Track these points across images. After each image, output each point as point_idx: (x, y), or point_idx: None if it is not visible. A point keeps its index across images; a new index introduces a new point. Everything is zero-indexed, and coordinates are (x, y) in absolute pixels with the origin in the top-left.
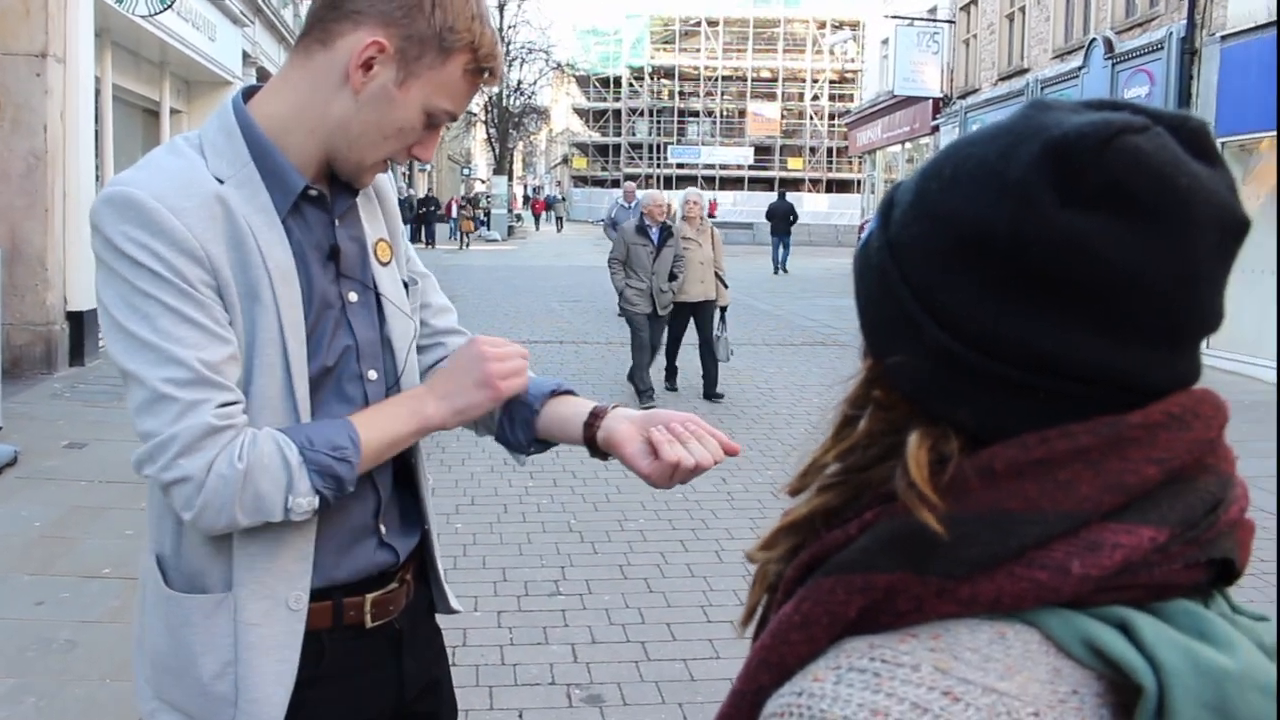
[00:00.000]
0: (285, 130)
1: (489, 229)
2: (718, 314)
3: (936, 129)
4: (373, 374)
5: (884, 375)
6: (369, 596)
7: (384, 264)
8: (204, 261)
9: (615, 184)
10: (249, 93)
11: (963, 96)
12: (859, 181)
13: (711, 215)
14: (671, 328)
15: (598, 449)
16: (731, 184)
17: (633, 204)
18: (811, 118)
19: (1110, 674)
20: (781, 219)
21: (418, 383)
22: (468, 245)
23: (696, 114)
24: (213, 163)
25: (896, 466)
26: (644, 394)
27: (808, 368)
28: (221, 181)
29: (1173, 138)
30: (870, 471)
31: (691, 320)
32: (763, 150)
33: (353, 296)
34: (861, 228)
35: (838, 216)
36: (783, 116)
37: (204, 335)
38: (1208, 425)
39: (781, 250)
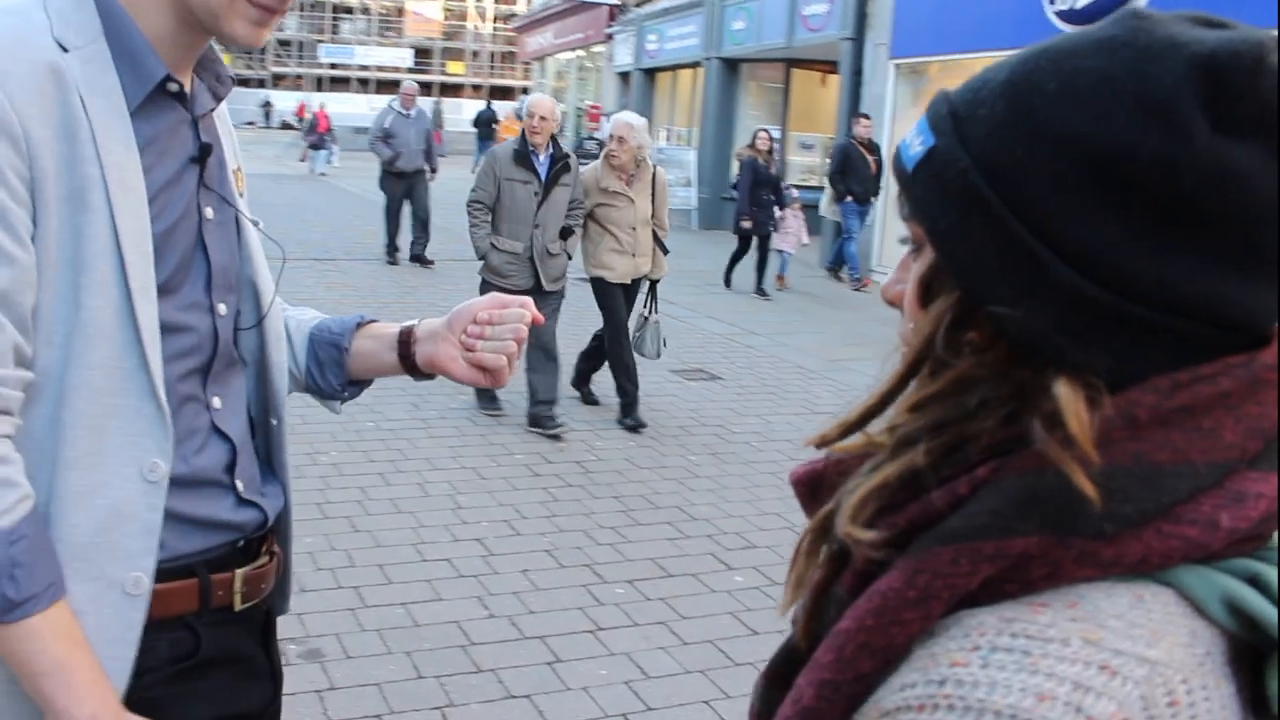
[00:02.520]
0: (138, 8)
1: None
2: (644, 288)
3: (611, 37)
4: (222, 308)
5: (981, 315)
6: (239, 572)
7: (240, 196)
8: (19, 142)
9: (261, 84)
10: None
11: (639, 4)
12: (526, 89)
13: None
14: (606, 312)
15: (421, 372)
16: (389, 87)
17: (413, 110)
18: (475, 21)
19: (1237, 631)
20: (487, 127)
21: (281, 334)
22: None
23: (351, 10)
24: (58, 27)
25: (1027, 417)
26: (547, 416)
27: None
28: (65, 50)
29: None
30: (969, 423)
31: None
32: (423, 52)
33: (209, 212)
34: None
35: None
36: (445, 17)
37: None
38: None
39: None
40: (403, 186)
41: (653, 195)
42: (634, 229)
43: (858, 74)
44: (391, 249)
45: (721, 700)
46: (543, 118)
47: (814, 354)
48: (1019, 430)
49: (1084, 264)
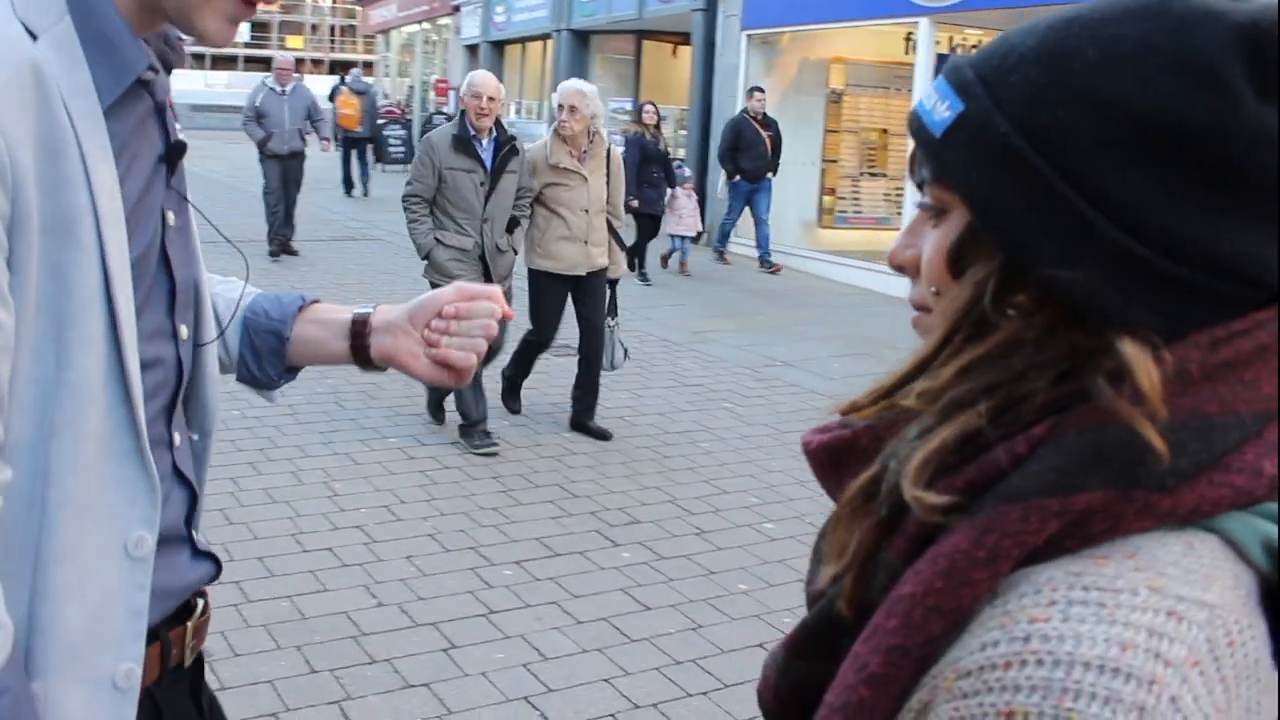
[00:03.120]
0: None
1: None
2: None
3: (458, 9)
4: (184, 330)
5: (1028, 278)
6: (189, 625)
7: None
8: (3, 173)
9: None
10: None
11: None
12: (369, 63)
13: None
14: (535, 310)
15: (372, 364)
16: (224, 62)
17: (288, 87)
18: None
19: (1270, 572)
20: None
21: (215, 357)
22: None
23: None
24: (20, 5)
25: (1088, 376)
26: (474, 429)
27: (344, 264)
28: (34, 37)
29: None
30: (1019, 384)
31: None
32: (260, 26)
33: (171, 217)
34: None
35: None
36: None
37: None
38: None
39: None
40: (279, 170)
41: (607, 176)
42: (586, 211)
43: (710, 45)
44: (272, 242)
45: (621, 677)
46: (491, 98)
47: (677, 327)
48: (1073, 388)
49: (1131, 225)
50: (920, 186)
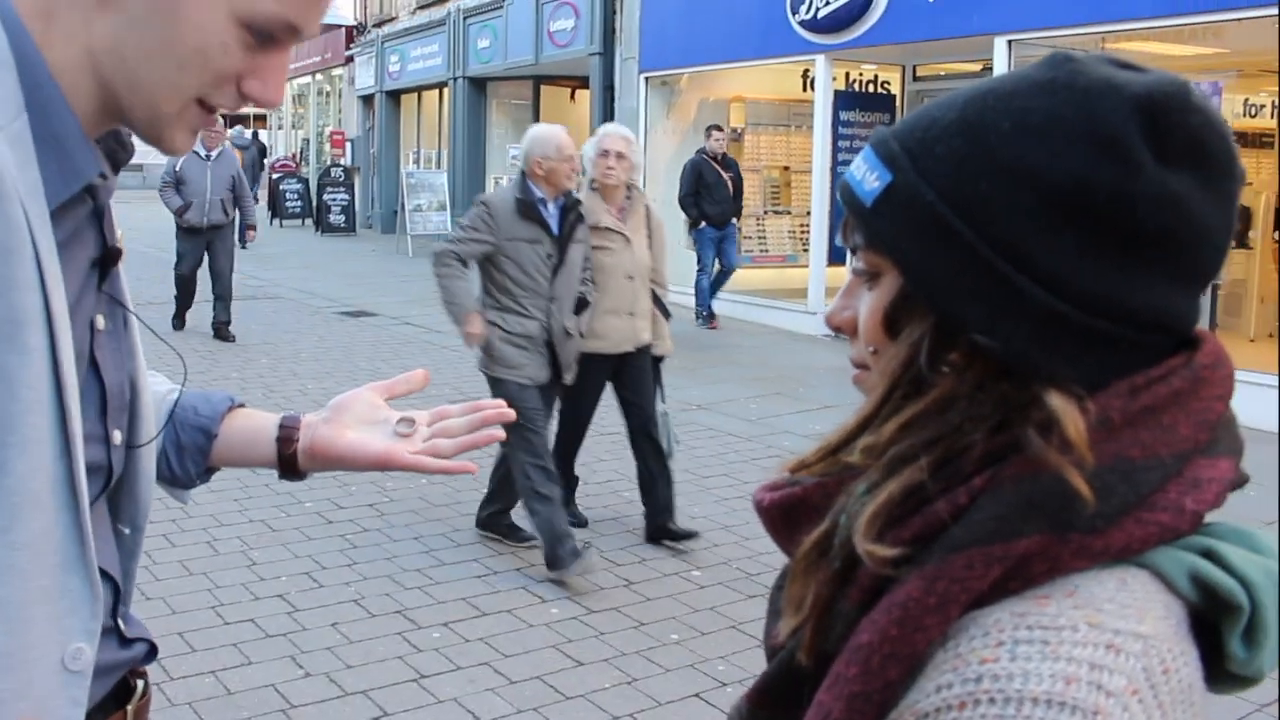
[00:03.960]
0: (62, 67)
1: None
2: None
3: (351, 59)
4: (117, 435)
5: (959, 337)
6: (128, 709)
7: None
8: None
9: None
10: None
11: (379, 25)
12: (261, 115)
13: None
14: (573, 401)
15: (296, 470)
16: None
17: (215, 151)
18: None
19: (1197, 601)
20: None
21: (153, 454)
22: None
23: None
24: None
25: (1018, 428)
26: (566, 551)
27: (246, 324)
28: None
29: None
30: (957, 437)
31: (611, 386)
32: None
33: (100, 321)
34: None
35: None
36: None
37: None
38: (1230, 363)
39: None
40: (196, 245)
41: (649, 237)
42: (631, 279)
43: (609, 89)
44: (178, 320)
45: None
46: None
47: None
48: (1007, 439)
49: (1052, 285)
50: (853, 251)
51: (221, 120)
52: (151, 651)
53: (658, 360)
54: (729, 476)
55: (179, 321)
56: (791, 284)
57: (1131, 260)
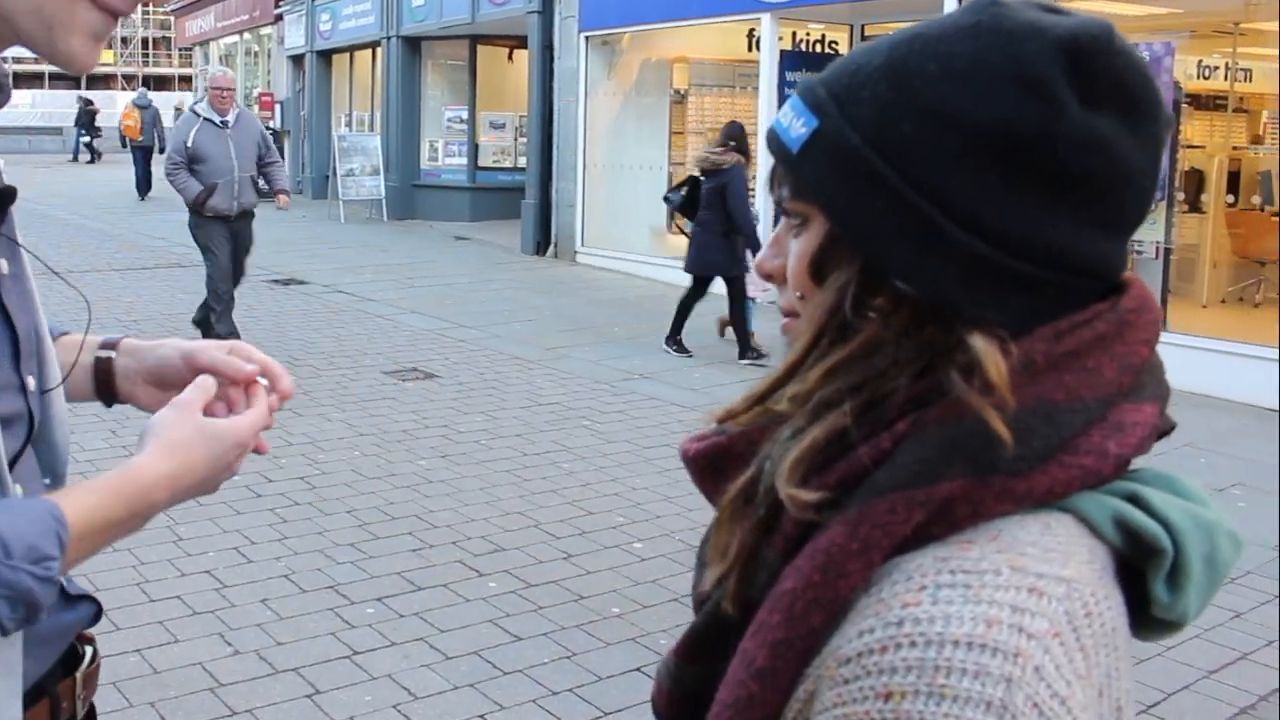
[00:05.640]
0: None
1: None
2: None
3: (280, 18)
4: (31, 380)
5: (885, 282)
6: (78, 675)
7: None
8: None
9: None
10: None
11: None
12: (186, 77)
13: None
14: None
15: (116, 397)
16: (28, 80)
17: (232, 115)
18: None
19: (1121, 546)
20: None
21: (63, 398)
22: None
23: None
24: None
25: (941, 371)
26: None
27: (171, 293)
28: None
29: None
30: (882, 382)
31: None
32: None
33: (4, 265)
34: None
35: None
36: None
37: None
38: (1157, 308)
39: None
40: (227, 236)
41: None
42: None
43: (548, 48)
44: (224, 325)
45: (496, 712)
46: None
47: (529, 343)
48: (931, 383)
49: (976, 226)
50: (778, 201)
51: (231, 76)
52: (98, 613)
53: None
54: (671, 447)
55: (226, 326)
56: None
57: (1056, 203)
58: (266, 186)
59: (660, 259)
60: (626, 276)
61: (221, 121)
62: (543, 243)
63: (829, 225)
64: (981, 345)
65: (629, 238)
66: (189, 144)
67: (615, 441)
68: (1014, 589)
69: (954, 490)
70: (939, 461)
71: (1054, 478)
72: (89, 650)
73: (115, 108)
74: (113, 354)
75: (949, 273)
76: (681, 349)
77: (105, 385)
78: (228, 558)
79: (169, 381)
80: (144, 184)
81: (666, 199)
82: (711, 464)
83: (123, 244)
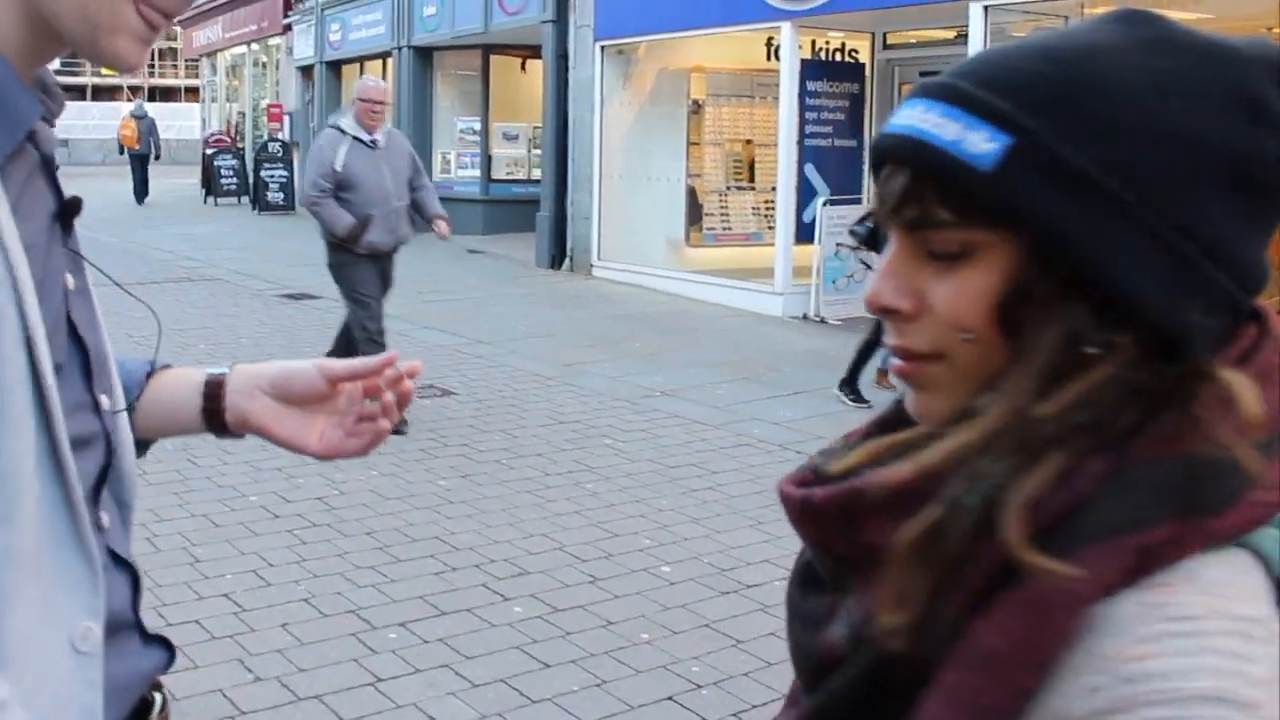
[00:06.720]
0: None
1: None
2: None
3: (289, 28)
4: (105, 400)
5: (1114, 314)
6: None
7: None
8: None
9: None
10: None
11: None
12: (195, 89)
13: None
14: None
15: (227, 429)
16: None
17: (380, 134)
18: None
19: None
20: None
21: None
22: None
23: None
24: None
25: (1183, 406)
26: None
27: (181, 309)
28: None
29: None
30: (1103, 419)
31: None
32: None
33: (70, 280)
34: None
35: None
36: None
37: None
38: None
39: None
40: (375, 275)
41: None
42: None
43: (563, 58)
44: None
45: None
46: None
47: (547, 359)
48: (1137, 421)
49: (1223, 259)
50: (915, 224)
51: (383, 86)
52: (170, 654)
53: None
54: (698, 466)
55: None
56: (756, 263)
57: (1264, 226)
58: (418, 215)
59: (678, 273)
60: (644, 290)
61: (371, 141)
62: (558, 256)
63: (1025, 256)
64: (1236, 379)
65: (646, 251)
66: (338, 167)
67: (639, 461)
68: (1228, 635)
69: (1163, 534)
70: (1151, 505)
71: (1244, 515)
72: (159, 698)
73: (117, 120)
74: (225, 371)
75: (1198, 306)
76: (859, 398)
77: (213, 403)
78: (246, 580)
79: (296, 391)
80: (141, 190)
81: (852, 231)
82: (844, 511)
83: (132, 257)
